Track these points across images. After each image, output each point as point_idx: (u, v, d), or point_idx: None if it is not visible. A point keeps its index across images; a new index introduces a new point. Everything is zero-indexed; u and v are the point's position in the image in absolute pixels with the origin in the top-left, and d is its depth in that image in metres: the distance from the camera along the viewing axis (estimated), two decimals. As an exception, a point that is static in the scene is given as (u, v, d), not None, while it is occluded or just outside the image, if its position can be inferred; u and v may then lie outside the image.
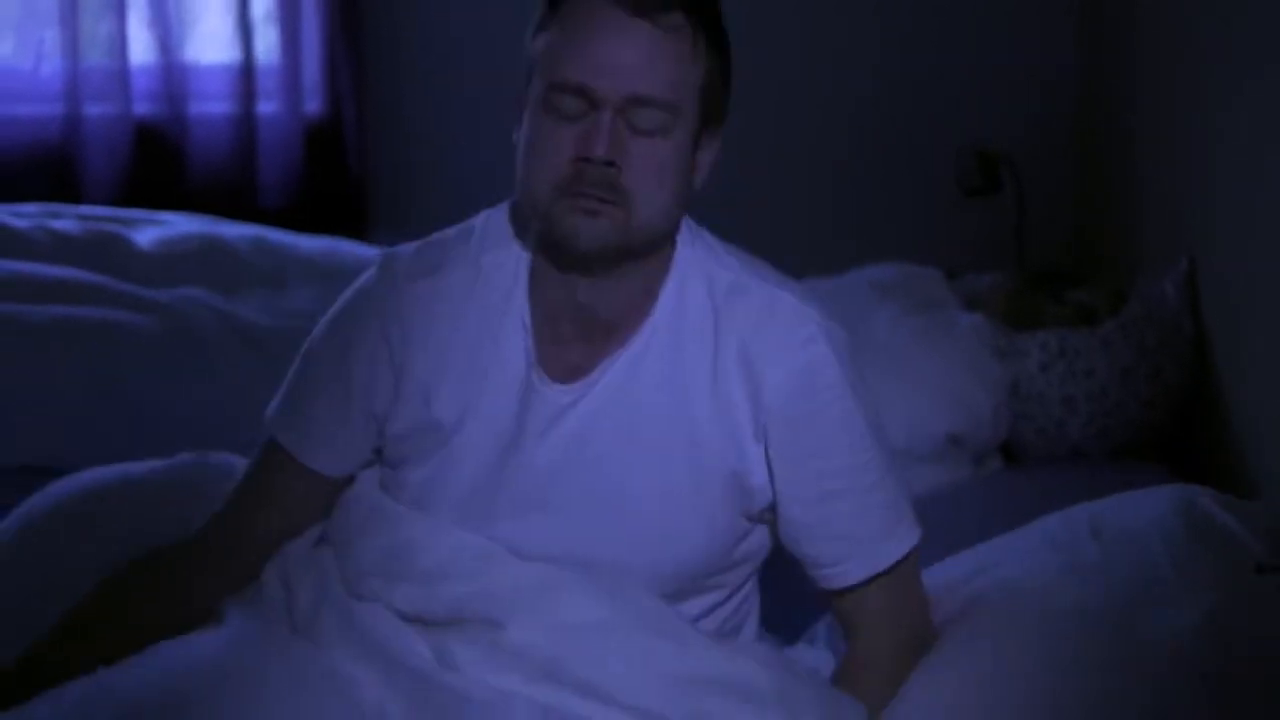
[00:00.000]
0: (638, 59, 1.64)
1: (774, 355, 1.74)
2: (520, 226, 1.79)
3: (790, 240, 3.99)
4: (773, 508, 1.79)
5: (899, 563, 1.81)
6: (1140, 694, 1.67)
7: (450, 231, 1.84)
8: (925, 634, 1.85)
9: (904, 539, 1.81)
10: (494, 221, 1.82)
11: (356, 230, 3.90)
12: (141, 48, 3.86)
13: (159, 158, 3.86)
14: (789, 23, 4.08)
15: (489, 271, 1.78)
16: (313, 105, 3.94)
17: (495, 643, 1.70)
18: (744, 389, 1.74)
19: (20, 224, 3.34)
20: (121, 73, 3.83)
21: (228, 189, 3.88)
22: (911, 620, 1.84)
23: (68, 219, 3.42)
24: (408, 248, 1.84)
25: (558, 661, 1.69)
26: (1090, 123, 4.03)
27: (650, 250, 1.72)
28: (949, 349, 3.11)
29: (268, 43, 3.92)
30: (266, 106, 3.92)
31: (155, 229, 3.45)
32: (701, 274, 1.76)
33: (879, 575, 1.80)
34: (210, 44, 3.92)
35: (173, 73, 3.87)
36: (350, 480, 1.85)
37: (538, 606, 1.71)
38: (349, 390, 1.79)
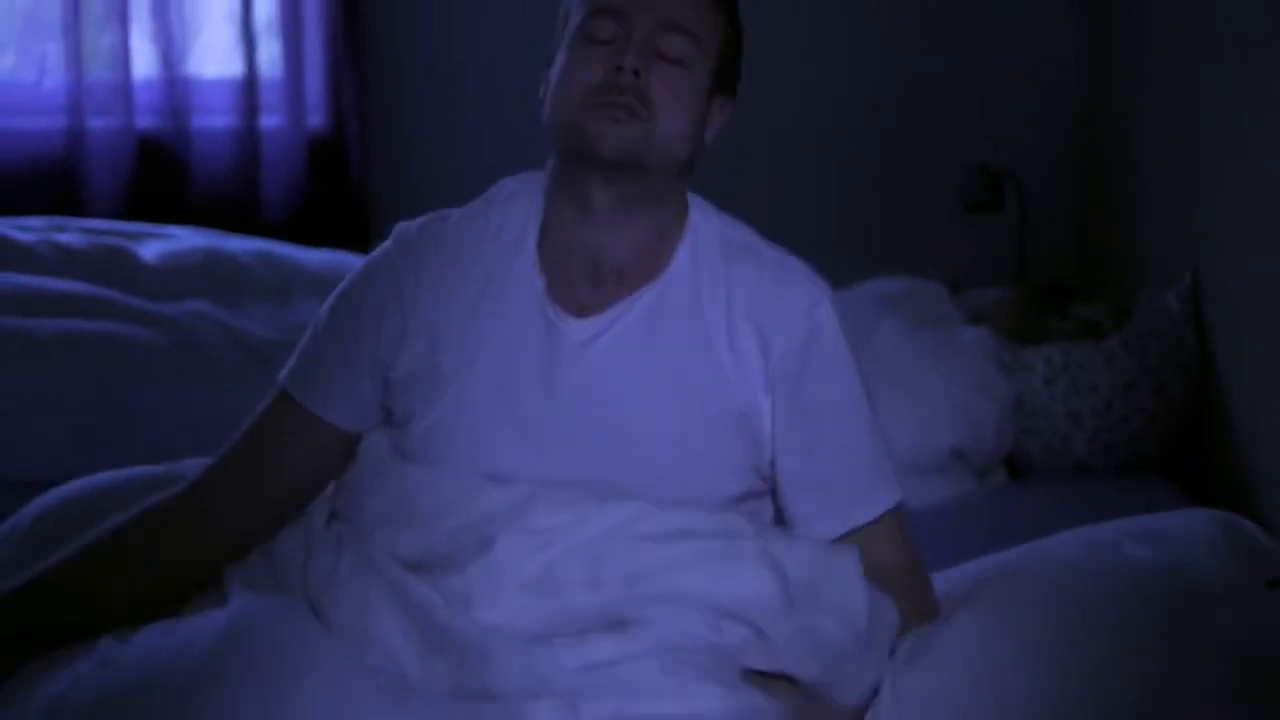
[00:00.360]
0: None
1: (785, 312, 1.82)
2: (535, 186, 1.86)
3: (795, 252, 4.01)
4: (772, 463, 1.85)
5: (880, 519, 1.85)
6: (1184, 682, 1.69)
7: (457, 209, 1.91)
8: (924, 593, 1.88)
9: (884, 496, 1.86)
10: (506, 186, 1.90)
11: (358, 243, 3.89)
12: (144, 61, 3.88)
13: (162, 171, 3.88)
14: (794, 38, 4.09)
15: (499, 222, 1.85)
16: (315, 119, 3.96)
17: (488, 564, 1.73)
18: (755, 342, 1.82)
19: (25, 237, 3.35)
20: (124, 86, 3.85)
21: (230, 202, 3.90)
22: (905, 575, 1.86)
23: (73, 232, 3.43)
24: (420, 217, 1.91)
25: (548, 567, 1.73)
26: (1092, 138, 4.04)
27: (661, 177, 1.80)
28: (953, 363, 3.13)
29: (270, 56, 3.94)
30: (269, 120, 3.94)
31: (160, 243, 3.46)
32: (715, 234, 1.86)
33: (861, 528, 1.84)
34: (213, 58, 3.94)
35: (176, 86, 3.89)
36: (356, 442, 1.87)
37: (520, 516, 1.76)
38: (359, 339, 1.84)
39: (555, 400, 1.80)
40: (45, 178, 3.83)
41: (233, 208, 3.89)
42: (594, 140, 1.75)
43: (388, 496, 1.81)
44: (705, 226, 1.86)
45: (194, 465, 2.08)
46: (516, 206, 1.86)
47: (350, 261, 3.47)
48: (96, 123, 3.84)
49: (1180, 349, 3.15)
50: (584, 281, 1.82)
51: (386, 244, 1.91)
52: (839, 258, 4.06)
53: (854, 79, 4.13)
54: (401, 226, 1.90)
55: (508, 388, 1.80)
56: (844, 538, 1.83)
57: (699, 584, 1.73)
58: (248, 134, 3.91)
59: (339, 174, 3.94)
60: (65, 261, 3.29)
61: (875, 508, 1.85)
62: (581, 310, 1.82)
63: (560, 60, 1.80)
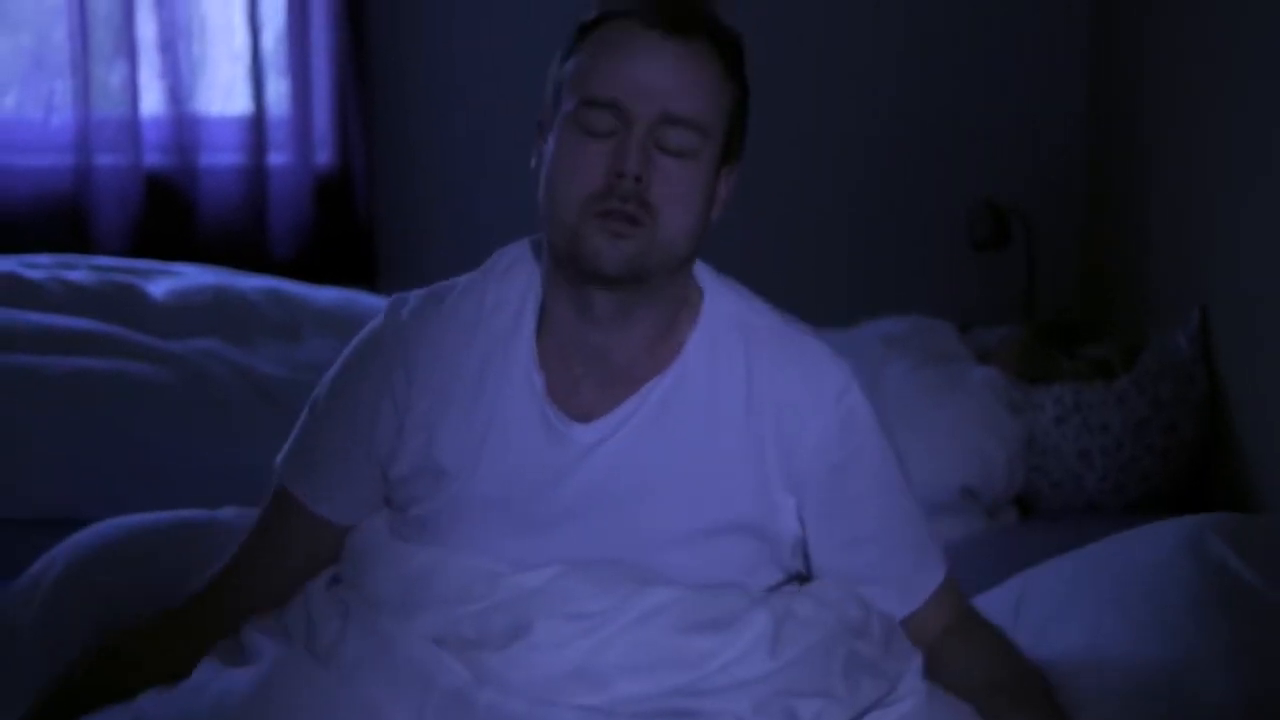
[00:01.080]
0: (671, 78, 1.68)
1: (814, 403, 1.77)
2: (535, 254, 1.82)
3: (801, 291, 4.03)
4: (803, 555, 1.82)
5: (937, 591, 1.85)
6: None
7: (457, 279, 1.85)
8: (993, 632, 1.88)
9: (935, 571, 1.85)
10: (504, 257, 1.84)
11: (366, 280, 3.93)
12: (152, 99, 3.89)
13: (170, 208, 3.89)
14: (802, 75, 4.12)
15: (495, 304, 1.80)
16: (323, 157, 3.97)
17: (528, 646, 1.71)
18: (776, 437, 1.76)
19: (34, 275, 3.35)
20: (132, 124, 3.86)
21: (238, 240, 3.91)
22: (966, 628, 1.87)
23: (81, 270, 3.44)
24: (418, 291, 1.86)
25: (593, 654, 1.70)
26: (1099, 176, 4.06)
27: (665, 276, 1.73)
28: (963, 402, 3.14)
29: (278, 94, 3.95)
30: (277, 158, 3.94)
31: (169, 280, 3.47)
32: (734, 320, 1.79)
33: (921, 608, 1.84)
34: (221, 95, 3.95)
35: (183, 124, 3.90)
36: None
37: (558, 601, 1.73)
38: (355, 435, 1.81)
39: (564, 500, 1.76)
40: (53, 215, 3.85)
41: (240, 245, 3.90)
42: (594, 256, 1.68)
43: (396, 577, 1.78)
44: (719, 310, 1.79)
45: (229, 514, 2.11)
46: (513, 282, 1.81)
47: (360, 300, 3.49)
48: (104, 160, 3.85)
49: (1190, 388, 3.16)
50: (589, 381, 1.77)
51: (380, 324, 1.84)
52: (845, 295, 4.11)
53: (861, 115, 4.16)
54: (396, 302, 1.84)
55: (513, 488, 1.77)
56: (904, 620, 1.83)
57: (754, 669, 1.71)
58: (255, 171, 3.92)
59: (346, 211, 3.95)
60: (74, 299, 3.30)
61: (929, 585, 1.84)
62: (586, 413, 1.76)
63: (553, 147, 1.71)
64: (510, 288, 1.81)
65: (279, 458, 1.87)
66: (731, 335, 1.78)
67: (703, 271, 1.81)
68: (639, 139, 1.66)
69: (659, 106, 1.67)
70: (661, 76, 1.68)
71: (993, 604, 2.05)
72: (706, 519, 1.76)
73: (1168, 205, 3.55)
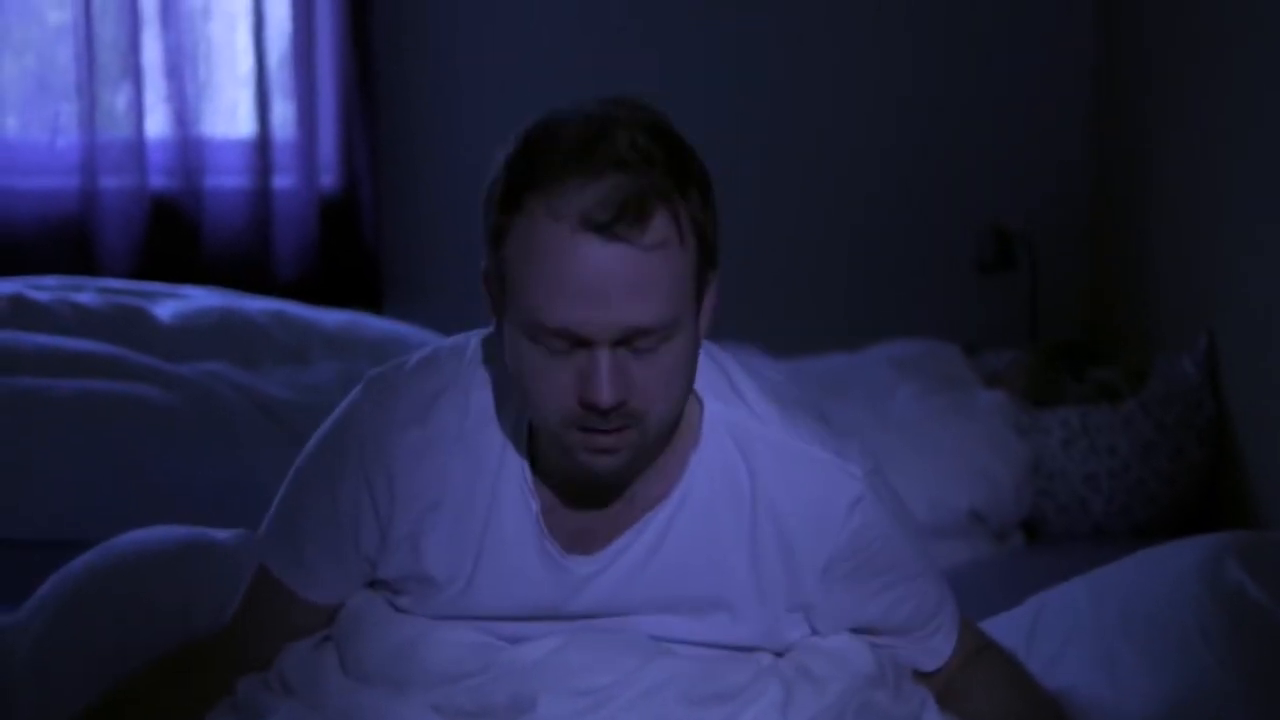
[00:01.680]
0: (625, 294, 1.49)
1: (818, 526, 1.67)
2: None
3: (807, 312, 4.06)
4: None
5: (956, 644, 1.83)
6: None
7: (442, 351, 1.75)
8: (1002, 652, 1.86)
9: (950, 629, 1.82)
10: (480, 349, 1.73)
11: (371, 304, 3.94)
12: (158, 121, 3.91)
13: (175, 231, 3.90)
14: (809, 100, 4.14)
15: (480, 415, 1.69)
16: (328, 180, 3.99)
17: (532, 719, 1.67)
18: (782, 558, 1.69)
19: (41, 297, 3.36)
20: (137, 146, 3.87)
21: (243, 263, 3.92)
22: (984, 648, 1.85)
23: (89, 292, 3.45)
24: (397, 373, 1.74)
25: None
26: (1105, 200, 4.08)
27: (672, 433, 1.64)
28: (971, 426, 3.16)
29: (284, 118, 3.97)
30: (282, 181, 3.96)
31: (176, 303, 3.47)
32: (734, 434, 1.67)
33: (948, 662, 1.82)
34: (226, 118, 3.97)
35: (189, 147, 3.91)
36: None
37: (562, 674, 1.68)
38: (338, 528, 1.74)
39: (564, 614, 1.71)
40: (58, 237, 3.86)
41: (245, 268, 3.91)
42: (586, 467, 1.58)
43: (384, 647, 1.74)
44: (720, 421, 1.67)
45: (228, 536, 2.07)
46: (498, 396, 1.69)
47: (367, 323, 3.50)
48: (109, 182, 3.87)
49: (1197, 412, 3.18)
50: (587, 507, 1.68)
51: (358, 417, 1.71)
52: (851, 317, 4.13)
53: (868, 139, 4.18)
54: (374, 388, 1.72)
55: (508, 606, 1.71)
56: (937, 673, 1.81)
57: None
58: (260, 194, 3.93)
59: (351, 235, 3.97)
60: (81, 321, 3.30)
61: (948, 646, 1.81)
62: (584, 540, 1.68)
63: (512, 345, 1.55)
64: (492, 395, 1.70)
65: (261, 532, 1.82)
66: (733, 453, 1.67)
67: (700, 370, 1.64)
68: (602, 363, 1.50)
69: (618, 327, 1.49)
70: (612, 297, 1.49)
71: (1006, 628, 2.05)
72: (710, 639, 1.71)
73: (1173, 229, 3.57)
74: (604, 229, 1.47)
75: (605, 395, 1.50)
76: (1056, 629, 2.04)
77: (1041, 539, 3.19)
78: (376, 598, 1.78)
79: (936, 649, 1.81)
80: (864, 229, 4.20)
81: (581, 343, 1.50)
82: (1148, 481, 3.16)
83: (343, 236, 3.98)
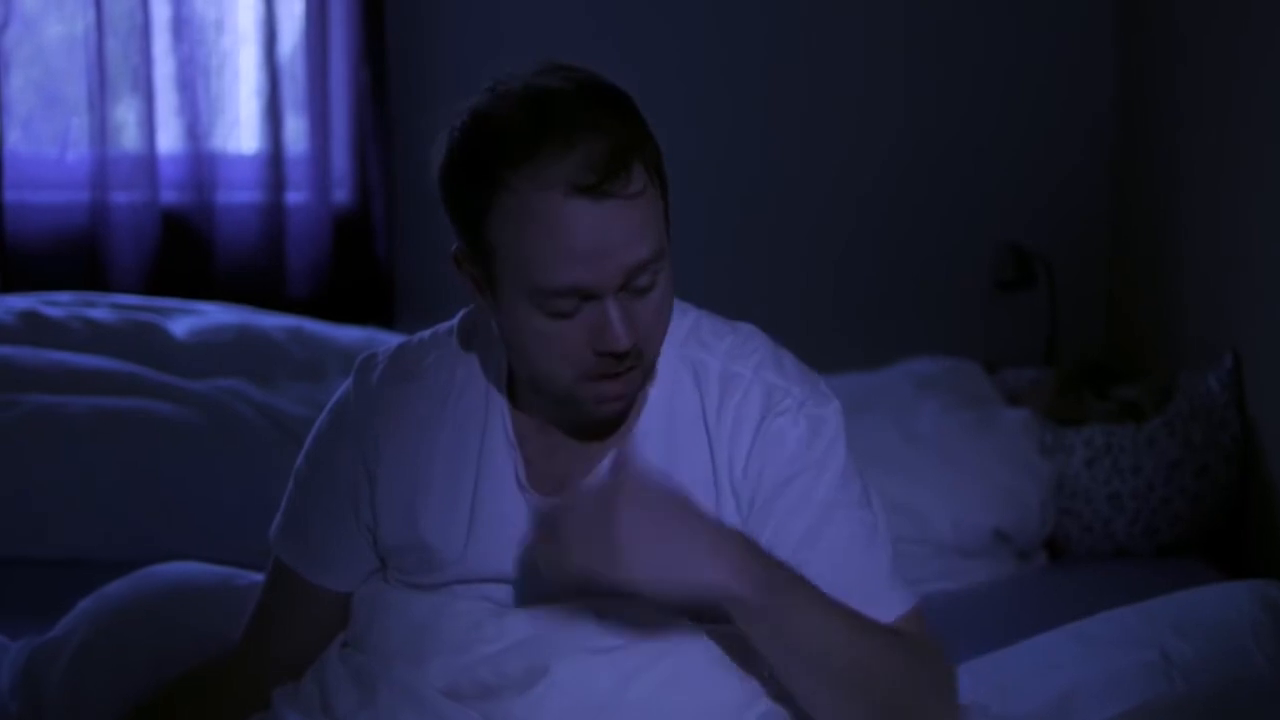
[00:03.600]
0: (623, 241, 1.59)
1: (750, 436, 1.72)
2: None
3: (824, 330, 4.08)
4: None
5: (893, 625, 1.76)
6: None
7: (425, 334, 1.84)
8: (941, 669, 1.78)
9: (889, 605, 1.73)
10: (470, 322, 1.81)
11: (384, 320, 3.95)
12: (169, 136, 3.93)
13: (186, 246, 3.92)
14: (828, 117, 4.17)
15: (465, 379, 1.78)
16: (341, 195, 4.00)
17: (550, 690, 1.69)
18: (729, 482, 1.74)
19: (55, 313, 3.39)
20: (149, 160, 3.89)
21: (255, 278, 3.94)
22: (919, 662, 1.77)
23: (102, 308, 3.47)
24: (385, 351, 1.84)
25: (617, 692, 1.69)
26: (1125, 217, 4.09)
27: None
28: (995, 444, 3.18)
29: (296, 132, 3.99)
30: (295, 196, 3.97)
31: (191, 319, 3.50)
32: (688, 367, 1.75)
33: None
34: (238, 132, 3.99)
35: (201, 161, 3.93)
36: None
37: (576, 637, 1.71)
38: (341, 506, 1.81)
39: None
40: (68, 252, 3.87)
41: (257, 284, 3.93)
42: (594, 410, 1.67)
43: (403, 626, 1.78)
44: (677, 355, 1.75)
45: (254, 577, 2.11)
46: (483, 357, 1.77)
47: (383, 339, 3.52)
48: (120, 197, 3.88)
49: (1222, 430, 3.20)
50: (564, 448, 1.75)
51: (349, 391, 1.83)
52: (868, 336, 4.15)
53: (884, 157, 4.20)
54: (364, 366, 1.83)
55: (506, 566, 1.76)
56: None
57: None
58: (272, 209, 3.95)
59: (364, 250, 3.98)
60: (95, 337, 3.32)
61: (882, 619, 1.71)
62: (561, 485, 1.74)
63: (516, 318, 1.62)
64: (481, 357, 1.78)
65: (272, 529, 1.88)
66: (686, 381, 1.75)
67: None
68: (614, 310, 1.60)
69: (620, 272, 1.60)
70: (612, 241, 1.59)
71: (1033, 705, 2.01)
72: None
73: (1196, 245, 3.59)
74: (593, 190, 1.57)
75: (623, 339, 1.60)
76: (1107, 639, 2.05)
77: (1065, 559, 3.21)
78: (389, 584, 1.82)
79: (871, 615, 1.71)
80: (880, 247, 4.22)
81: (588, 297, 1.59)
82: (1173, 501, 3.18)
83: (355, 252, 3.99)
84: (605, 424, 1.71)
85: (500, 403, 1.77)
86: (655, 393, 1.75)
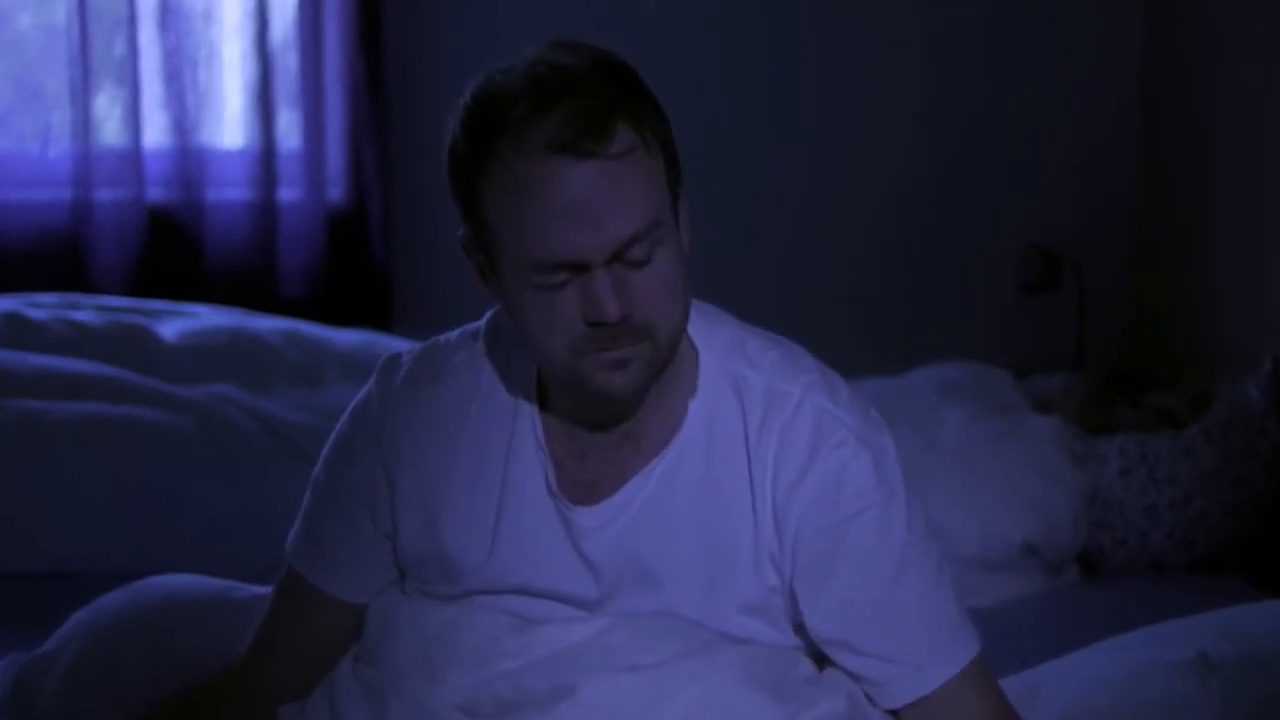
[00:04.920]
0: (608, 205, 1.59)
1: (799, 465, 1.71)
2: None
3: (843, 336, 4.08)
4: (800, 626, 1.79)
5: (953, 681, 1.77)
6: None
7: (453, 334, 1.84)
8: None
9: (954, 658, 1.76)
10: (498, 323, 1.81)
11: (381, 323, 3.94)
12: (155, 130, 3.91)
13: (173, 246, 3.91)
14: (851, 116, 4.17)
15: (492, 380, 1.78)
16: (336, 192, 3.99)
17: (574, 705, 1.70)
18: (771, 507, 1.73)
19: (38, 315, 3.37)
20: (134, 156, 3.88)
21: (246, 279, 3.93)
22: (999, 712, 1.80)
23: (87, 310, 3.46)
24: (410, 352, 1.84)
25: (646, 714, 1.69)
26: (1155, 217, 4.09)
27: (676, 350, 1.71)
28: (1024, 454, 3.17)
29: (289, 126, 3.97)
30: (287, 193, 3.96)
31: (180, 321, 3.49)
32: (730, 381, 1.75)
33: (931, 695, 1.77)
34: (228, 127, 3.97)
35: (189, 157, 3.92)
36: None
37: (606, 655, 1.71)
38: (358, 513, 1.81)
39: (584, 567, 1.75)
40: (50, 252, 3.86)
41: (248, 285, 3.91)
42: (603, 388, 1.66)
43: (418, 639, 1.78)
44: (714, 367, 1.75)
45: (265, 590, 2.07)
46: (511, 359, 1.77)
47: (384, 343, 3.51)
48: (104, 194, 3.87)
49: (1262, 439, 3.19)
50: (594, 455, 1.75)
51: (370, 392, 1.83)
52: (888, 340, 4.14)
53: (902, 153, 4.20)
54: (387, 367, 1.83)
55: (532, 575, 1.76)
56: (915, 705, 1.76)
57: None
58: (264, 207, 3.94)
59: (360, 251, 3.98)
60: (81, 341, 3.31)
61: (949, 668, 1.75)
62: (588, 491, 1.75)
63: (511, 294, 1.64)
64: (509, 359, 1.78)
65: (289, 539, 1.87)
66: (728, 395, 1.74)
67: (690, 319, 1.74)
68: (603, 281, 1.60)
69: (610, 242, 1.60)
70: (598, 209, 1.59)
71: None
72: (718, 602, 1.74)
73: (1233, 245, 3.58)
74: (570, 147, 1.57)
75: (611, 309, 1.59)
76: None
77: (1098, 573, 3.19)
78: (405, 595, 1.83)
79: (936, 666, 1.74)
80: (898, 247, 4.22)
81: (578, 268, 1.60)
82: (1210, 513, 3.17)
83: (351, 252, 3.98)
84: (621, 407, 1.70)
85: (528, 406, 1.77)
86: (695, 405, 1.74)
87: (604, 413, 1.73)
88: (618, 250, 1.60)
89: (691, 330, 1.75)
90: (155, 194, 3.93)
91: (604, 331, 1.61)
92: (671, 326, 1.66)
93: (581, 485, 1.75)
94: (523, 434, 1.76)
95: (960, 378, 3.45)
